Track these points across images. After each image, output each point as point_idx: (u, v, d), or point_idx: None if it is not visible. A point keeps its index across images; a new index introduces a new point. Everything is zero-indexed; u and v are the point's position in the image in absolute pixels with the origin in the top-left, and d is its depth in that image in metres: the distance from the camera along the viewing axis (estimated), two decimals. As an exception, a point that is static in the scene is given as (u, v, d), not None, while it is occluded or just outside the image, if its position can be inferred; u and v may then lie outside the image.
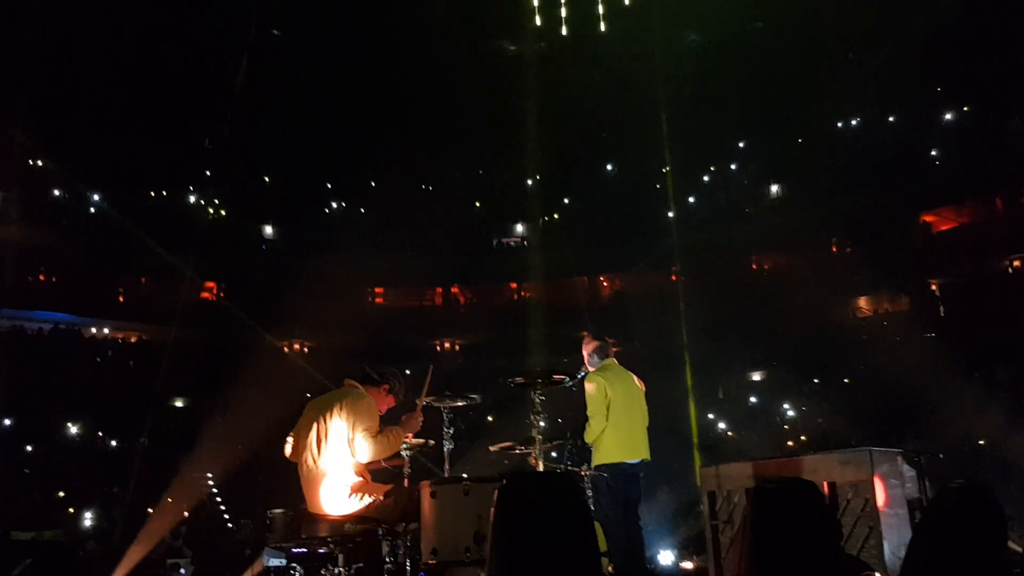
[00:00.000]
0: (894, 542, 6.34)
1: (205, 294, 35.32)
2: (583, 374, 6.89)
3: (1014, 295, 26.69)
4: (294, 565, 6.03)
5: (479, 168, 37.73)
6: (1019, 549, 9.05)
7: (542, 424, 6.00)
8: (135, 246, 29.98)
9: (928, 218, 31.95)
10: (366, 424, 5.38)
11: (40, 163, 32.87)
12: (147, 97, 30.69)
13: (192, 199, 36.08)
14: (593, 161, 37.59)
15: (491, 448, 6.82)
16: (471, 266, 32.96)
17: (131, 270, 33.11)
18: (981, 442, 19.57)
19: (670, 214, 34.07)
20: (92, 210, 34.05)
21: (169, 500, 20.21)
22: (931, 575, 3.28)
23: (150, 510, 19.78)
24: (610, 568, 6.30)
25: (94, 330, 32.83)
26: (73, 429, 25.13)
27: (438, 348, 36.84)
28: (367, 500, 5.36)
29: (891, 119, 32.83)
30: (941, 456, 8.66)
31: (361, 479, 5.43)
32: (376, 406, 5.59)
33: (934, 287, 31.16)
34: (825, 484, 6.83)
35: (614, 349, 7.28)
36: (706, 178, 36.87)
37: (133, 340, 33.38)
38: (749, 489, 6.97)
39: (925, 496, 6.72)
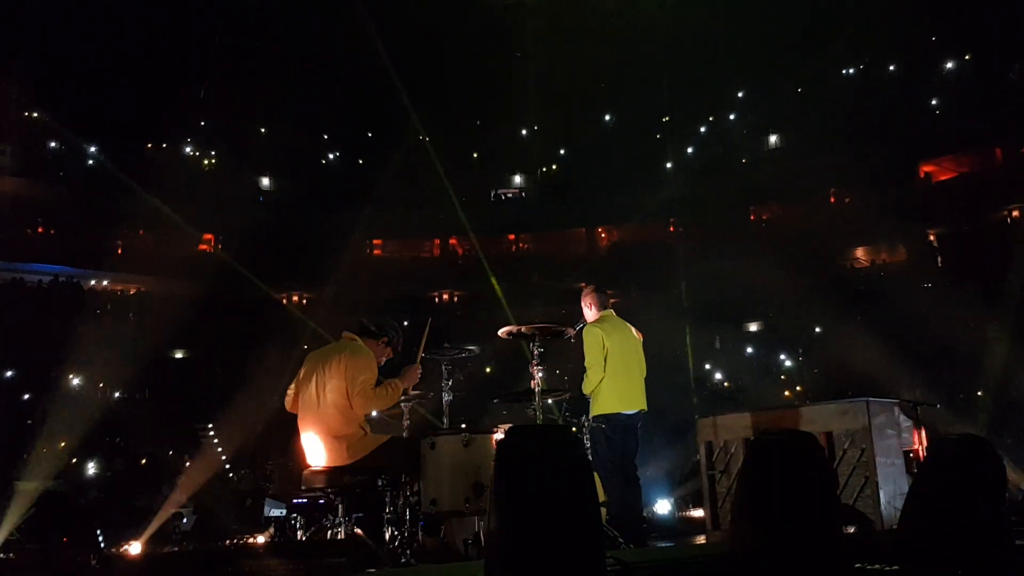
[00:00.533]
0: (890, 492, 6.40)
1: (203, 246, 35.24)
2: (581, 325, 6.88)
3: (1013, 245, 26.66)
4: (295, 515, 6.09)
5: (476, 119, 37.42)
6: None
7: (540, 376, 6.02)
8: (133, 198, 29.82)
9: (928, 168, 31.82)
10: (365, 376, 5.38)
11: (36, 115, 32.59)
12: (143, 48, 30.34)
13: (189, 151, 35.85)
14: (591, 112, 37.27)
15: (494, 400, 6.87)
16: (469, 217, 32.88)
17: (129, 222, 32.95)
18: (979, 393, 19.69)
19: (668, 165, 33.91)
20: (90, 162, 33.84)
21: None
22: (930, 525, 3.31)
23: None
24: (608, 518, 6.34)
25: (93, 282, 32.80)
26: (75, 380, 25.23)
27: (436, 300, 36.87)
28: (366, 451, 5.38)
29: (891, 68, 32.52)
30: (938, 406, 8.70)
31: (360, 430, 5.45)
32: (375, 358, 5.60)
33: (932, 238, 31.13)
34: (822, 434, 6.88)
35: (612, 300, 7.26)
36: (704, 129, 36.59)
37: (132, 292, 33.40)
38: (747, 440, 7.04)
39: (921, 446, 6.78)
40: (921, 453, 6.73)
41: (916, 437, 6.88)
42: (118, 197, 29.81)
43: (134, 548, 7.79)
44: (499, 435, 5.31)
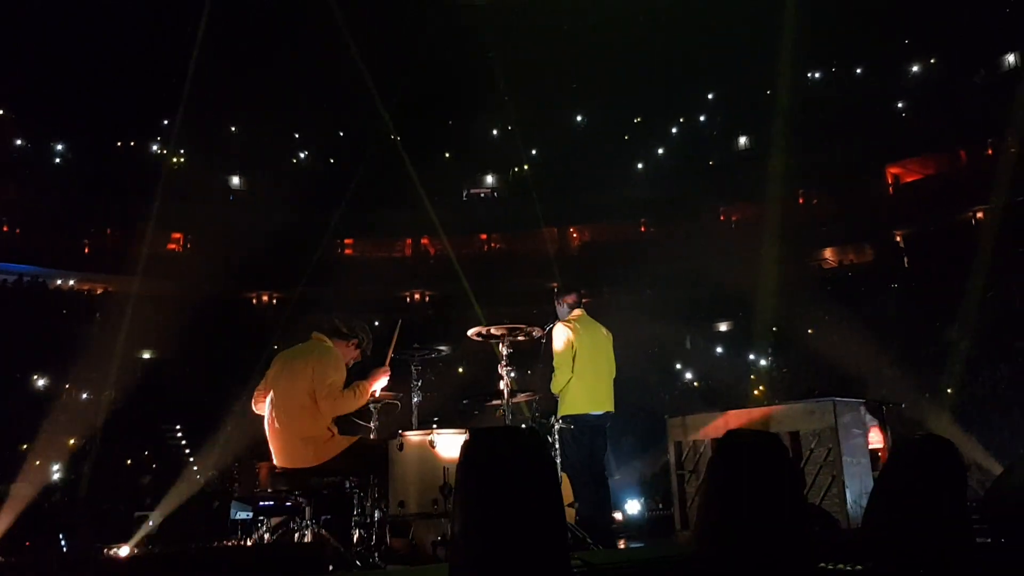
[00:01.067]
0: (856, 491, 6.45)
1: (172, 245, 34.93)
2: (551, 325, 6.87)
3: (976, 246, 27.05)
4: (261, 518, 6.04)
5: (449, 119, 37.36)
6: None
7: (511, 376, 6.00)
8: (100, 197, 29.50)
9: (894, 170, 32.21)
10: (332, 378, 5.34)
11: (1, 113, 32.13)
12: (110, 45, 29.97)
13: (157, 149, 35.47)
14: (563, 112, 37.34)
15: (464, 401, 6.85)
16: (441, 217, 32.85)
17: (96, 221, 32.61)
18: (948, 391, 19.95)
19: (639, 165, 34.05)
20: (56, 160, 33.42)
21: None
22: (894, 524, 3.34)
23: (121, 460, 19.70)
24: (576, 518, 6.35)
25: (59, 282, 32.41)
26: (40, 382, 24.91)
27: (408, 299, 36.77)
28: (334, 453, 5.34)
29: (859, 71, 32.87)
30: (903, 406, 8.81)
31: (328, 432, 5.41)
32: (343, 360, 5.56)
33: (899, 238, 31.52)
34: (789, 433, 6.93)
35: (584, 300, 7.26)
36: (675, 130, 36.78)
37: (99, 292, 33.03)
38: (716, 440, 7.07)
39: (887, 445, 6.85)
40: (886, 452, 6.80)
41: (882, 436, 6.95)
42: (85, 196, 29.51)
43: (123, 551, 7.69)
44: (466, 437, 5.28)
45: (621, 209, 33.49)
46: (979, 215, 29.36)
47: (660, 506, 13.68)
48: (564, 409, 6.66)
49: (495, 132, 36.89)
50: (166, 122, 33.40)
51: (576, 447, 6.51)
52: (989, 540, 4.01)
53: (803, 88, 32.31)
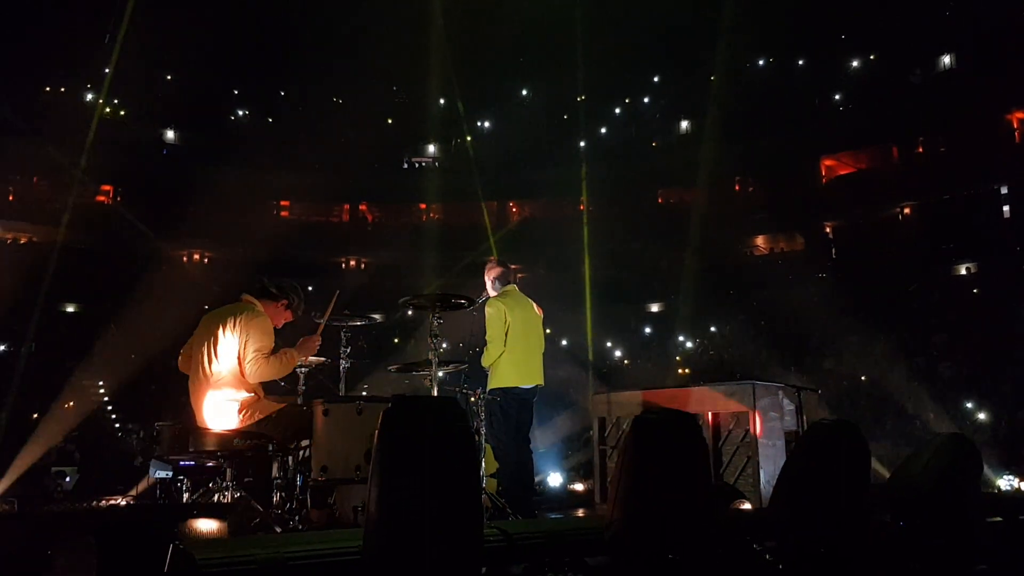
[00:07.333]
0: (769, 471, 6.66)
1: (101, 197, 34.03)
2: (484, 298, 6.93)
3: (902, 240, 27.87)
4: (181, 477, 5.99)
5: (393, 84, 36.97)
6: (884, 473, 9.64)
7: (444, 346, 6.04)
8: (27, 144, 28.55)
9: (828, 162, 32.77)
10: (260, 343, 5.31)
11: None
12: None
13: (90, 97, 34.40)
14: (509, 85, 37.20)
15: (390, 369, 6.87)
16: (380, 184, 32.51)
17: (23, 168, 31.56)
18: (863, 378, 20.53)
19: (581, 144, 34.14)
20: (-20, 105, 32.18)
21: (61, 406, 19.82)
22: (797, 504, 3.48)
23: (35, 415, 19.32)
24: (498, 489, 6.45)
25: (-19, 229, 31.43)
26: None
27: (343, 266, 36.48)
28: (258, 416, 5.33)
29: (800, 62, 33.32)
30: (819, 392, 9.08)
31: (253, 395, 5.39)
32: (272, 324, 5.52)
33: (828, 229, 32.20)
34: (710, 414, 7.13)
35: (518, 275, 7.32)
36: (619, 110, 36.93)
37: (23, 241, 32.09)
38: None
39: (802, 429, 7.07)
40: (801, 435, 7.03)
41: (797, 420, 7.18)
42: (11, 142, 28.49)
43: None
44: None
45: (561, 186, 33.54)
46: (906, 211, 30.13)
47: (582, 479, 13.88)
48: (494, 382, 6.74)
49: (441, 101, 36.57)
50: (100, 70, 32.38)
51: (503, 419, 6.60)
52: (889, 521, 4.19)
53: (744, 76, 32.68)
